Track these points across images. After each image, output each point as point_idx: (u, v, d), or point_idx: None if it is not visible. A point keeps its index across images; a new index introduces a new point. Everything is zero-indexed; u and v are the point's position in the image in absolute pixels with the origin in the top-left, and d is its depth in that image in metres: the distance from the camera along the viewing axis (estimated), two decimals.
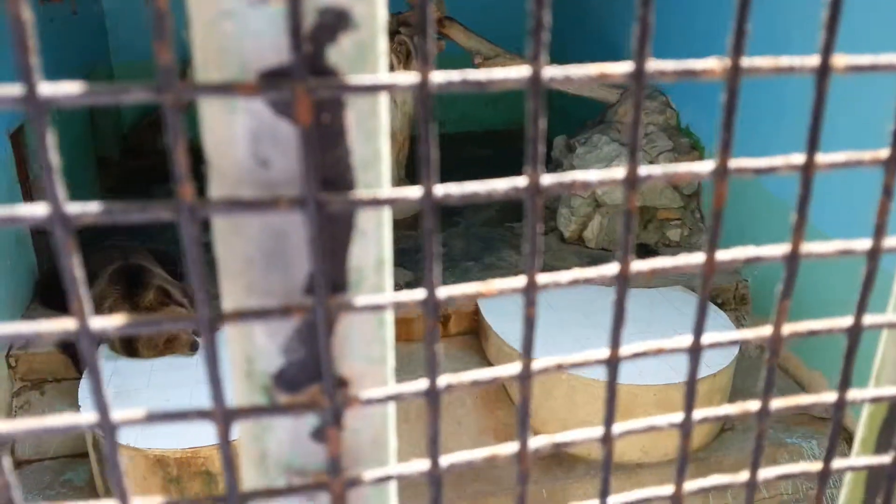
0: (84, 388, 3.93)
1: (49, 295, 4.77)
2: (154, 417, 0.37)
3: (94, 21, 7.96)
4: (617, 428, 0.45)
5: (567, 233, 6.18)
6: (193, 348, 4.16)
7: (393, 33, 6.01)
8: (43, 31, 5.77)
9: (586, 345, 4.34)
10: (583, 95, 6.32)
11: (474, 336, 4.98)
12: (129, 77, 8.37)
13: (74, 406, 3.85)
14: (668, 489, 0.48)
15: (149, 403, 3.80)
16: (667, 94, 6.26)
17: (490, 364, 4.67)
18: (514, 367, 0.42)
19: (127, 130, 8.34)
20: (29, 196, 5.16)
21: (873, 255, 0.45)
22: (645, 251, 6.06)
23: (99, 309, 4.24)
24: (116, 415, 0.36)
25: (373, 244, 0.40)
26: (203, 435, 3.53)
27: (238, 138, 0.39)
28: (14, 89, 0.32)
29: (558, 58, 7.70)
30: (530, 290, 0.38)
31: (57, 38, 6.22)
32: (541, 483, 4.07)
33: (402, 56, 6.05)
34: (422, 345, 4.40)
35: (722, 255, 0.43)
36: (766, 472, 0.50)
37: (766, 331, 0.46)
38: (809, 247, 0.44)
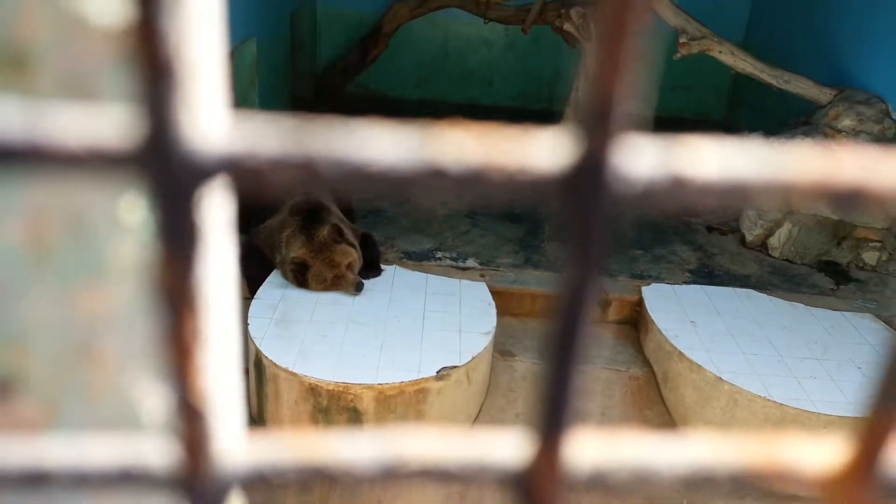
0: (254, 308, 4.21)
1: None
2: None
3: None
4: None
5: (750, 237, 5.84)
6: (358, 288, 4.34)
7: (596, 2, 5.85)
8: None
9: (753, 361, 4.10)
10: (788, 91, 5.89)
11: (632, 327, 4.85)
12: (330, 24, 8.73)
13: (243, 323, 4.13)
14: None
15: (307, 335, 4.01)
16: (888, 102, 5.72)
17: (646, 358, 4.53)
18: None
19: (321, 73, 8.73)
20: None
21: None
22: (834, 270, 5.63)
23: (278, 236, 4.50)
24: None
25: None
26: (356, 372, 3.69)
27: None
28: None
29: (783, 54, 7.21)
30: None
31: None
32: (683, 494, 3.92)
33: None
34: (533, 320, 4.30)
35: None
36: None
37: None
38: None
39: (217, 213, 0.21)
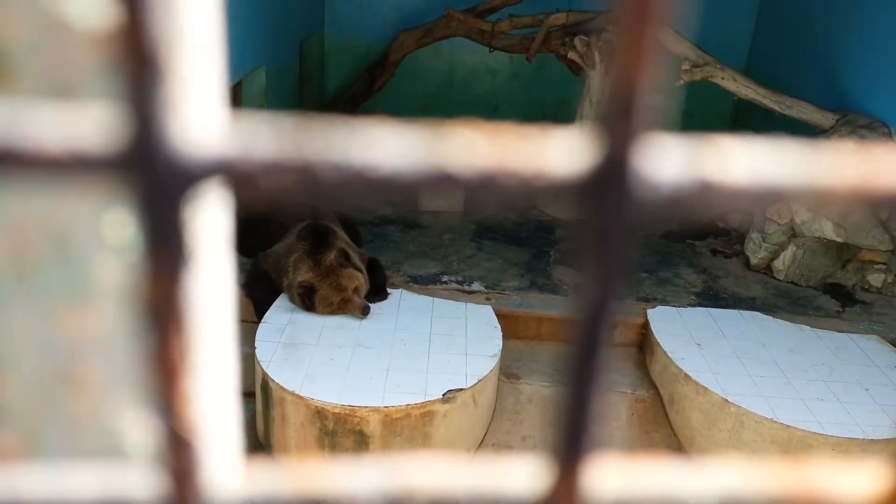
0: (261, 331, 4.19)
1: (240, 241, 5.09)
2: None
3: None
4: None
5: (755, 260, 5.81)
6: (364, 312, 4.32)
7: (601, 31, 5.90)
8: None
9: (759, 383, 4.06)
10: (791, 116, 5.89)
11: (638, 349, 4.81)
12: (338, 53, 8.79)
13: (250, 347, 4.10)
14: None
15: (313, 359, 3.99)
16: (890, 125, 5.71)
17: (651, 380, 4.49)
18: None
19: (329, 101, 8.77)
20: None
21: None
22: (840, 293, 5.59)
23: (285, 260, 4.50)
24: None
25: None
26: (362, 395, 3.67)
27: None
28: None
29: (785, 79, 7.23)
30: None
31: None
32: None
33: (608, 55, 5.91)
34: (538, 343, 4.28)
35: None
36: None
37: None
38: None
39: (209, 221, 0.19)
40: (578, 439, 0.21)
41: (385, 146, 0.18)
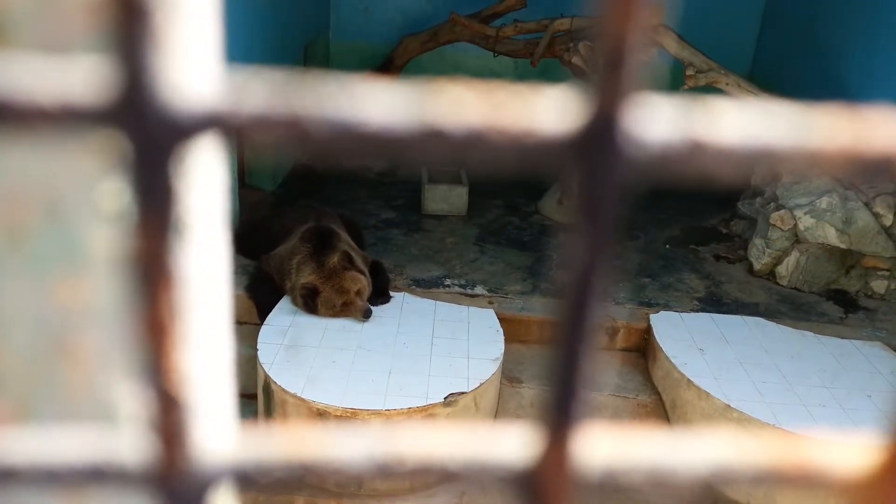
0: (264, 333, 4.19)
1: (243, 243, 5.11)
2: None
3: None
4: None
5: (758, 265, 5.80)
6: (367, 315, 4.33)
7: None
8: None
9: (762, 389, 4.05)
10: None
11: (641, 355, 4.80)
12: (343, 57, 8.81)
13: (253, 348, 4.11)
14: None
15: (315, 361, 3.99)
16: None
17: (654, 386, 4.48)
18: None
19: None
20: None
21: None
22: (843, 299, 5.58)
23: (288, 262, 4.50)
24: None
25: None
26: (364, 398, 3.67)
27: None
28: None
29: (790, 85, 7.22)
30: None
31: (282, 3, 6.62)
32: None
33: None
34: (540, 347, 4.28)
35: None
36: None
37: None
38: None
39: (200, 175, 0.19)
40: (569, 406, 0.21)
41: (376, 101, 0.18)
